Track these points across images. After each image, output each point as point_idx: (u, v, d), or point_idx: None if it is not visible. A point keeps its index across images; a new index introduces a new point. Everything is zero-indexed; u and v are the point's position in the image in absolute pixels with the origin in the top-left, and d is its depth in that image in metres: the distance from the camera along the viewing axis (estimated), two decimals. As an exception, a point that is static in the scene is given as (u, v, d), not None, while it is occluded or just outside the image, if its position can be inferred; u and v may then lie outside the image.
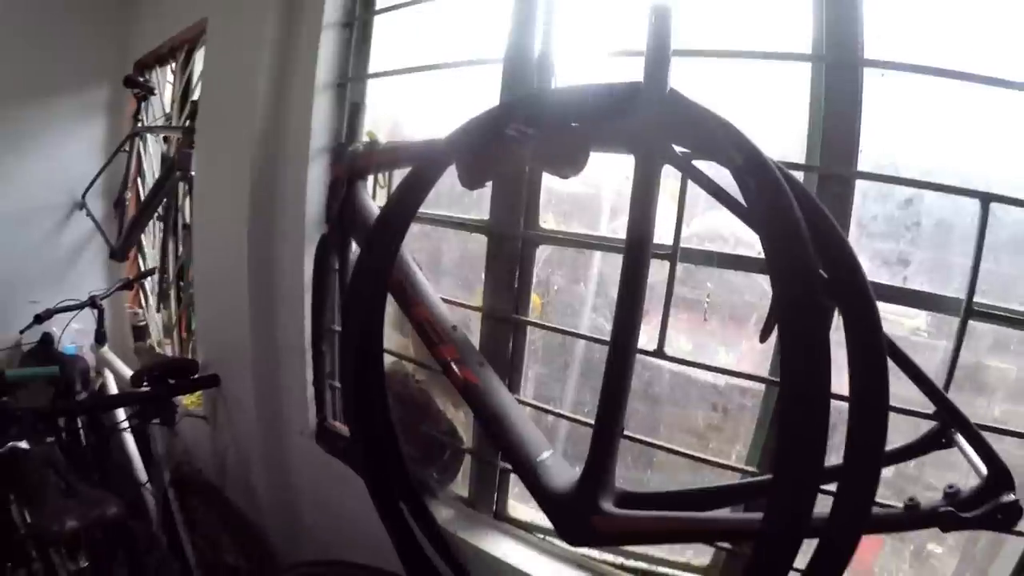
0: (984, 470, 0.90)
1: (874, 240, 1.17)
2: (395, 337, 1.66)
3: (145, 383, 1.98)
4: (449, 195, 1.60)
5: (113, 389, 2.62)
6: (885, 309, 1.22)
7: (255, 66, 1.73)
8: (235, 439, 2.04)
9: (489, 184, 1.29)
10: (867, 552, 1.46)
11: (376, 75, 1.66)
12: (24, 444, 1.87)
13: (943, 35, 1.09)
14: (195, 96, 2.57)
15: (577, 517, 1.04)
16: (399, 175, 1.54)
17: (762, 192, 0.82)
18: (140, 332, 3.05)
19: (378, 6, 1.67)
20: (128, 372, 2.66)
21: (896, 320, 1.39)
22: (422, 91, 1.66)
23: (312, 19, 1.66)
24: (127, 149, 3.00)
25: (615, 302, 0.97)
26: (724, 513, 1.04)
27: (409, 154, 1.36)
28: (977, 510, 0.88)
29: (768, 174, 0.82)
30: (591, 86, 1.01)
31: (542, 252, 1.44)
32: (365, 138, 1.54)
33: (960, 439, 0.96)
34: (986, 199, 1.00)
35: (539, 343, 1.61)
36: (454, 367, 1.18)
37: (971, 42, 1.07)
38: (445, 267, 1.75)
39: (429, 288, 1.31)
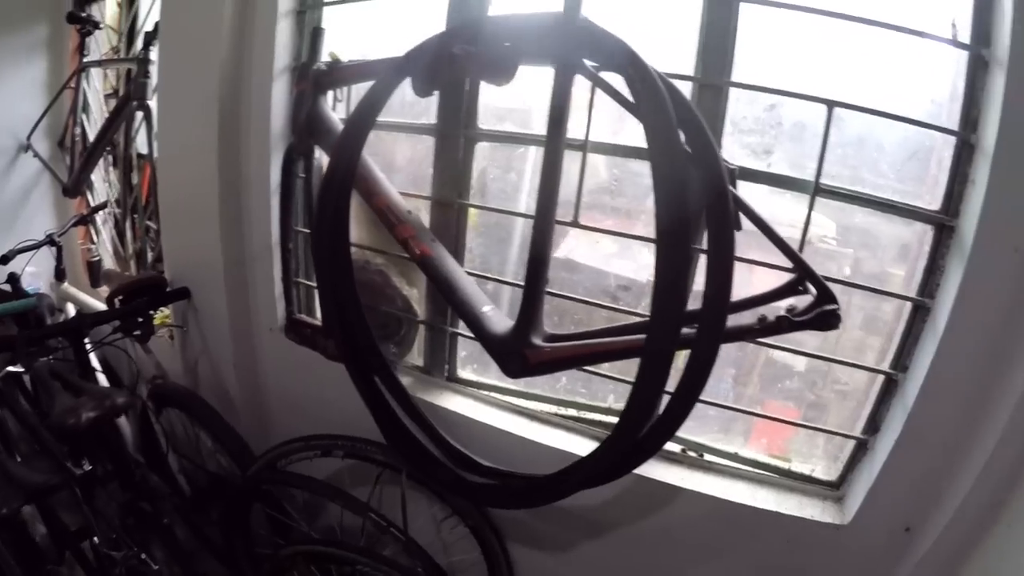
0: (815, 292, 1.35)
1: (744, 135, 1.59)
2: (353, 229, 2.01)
3: (119, 302, 2.31)
4: (400, 106, 1.96)
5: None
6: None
7: (220, -2, 2.00)
8: (207, 346, 2.39)
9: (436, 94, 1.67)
10: (780, 434, 1.90)
11: (333, 2, 1.98)
12: (19, 368, 2.19)
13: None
14: (145, 27, 2.83)
15: (513, 352, 1.45)
16: (357, 91, 1.91)
17: (644, 91, 1.21)
18: (94, 266, 3.28)
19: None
20: (92, 303, 2.97)
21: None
22: (375, 16, 1.99)
23: (273, -50, 1.94)
24: (72, 86, 3.21)
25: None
26: (622, 338, 1.45)
27: (369, 70, 1.73)
28: (806, 316, 1.32)
29: (649, 79, 1.21)
30: (521, 14, 1.41)
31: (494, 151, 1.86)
32: (327, 57, 1.87)
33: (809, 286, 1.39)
34: (831, 104, 1.41)
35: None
36: (411, 243, 1.58)
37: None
38: (398, 166, 2.10)
39: (386, 181, 1.70)
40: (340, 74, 1.81)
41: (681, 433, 1.77)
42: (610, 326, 1.52)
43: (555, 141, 1.36)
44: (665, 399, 1.33)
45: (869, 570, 1.63)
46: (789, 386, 1.91)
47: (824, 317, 1.31)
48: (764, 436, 1.89)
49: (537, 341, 1.44)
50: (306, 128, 1.83)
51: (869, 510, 1.57)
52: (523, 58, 1.41)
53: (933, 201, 1.47)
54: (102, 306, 3.03)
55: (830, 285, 1.36)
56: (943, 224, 1.45)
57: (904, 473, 1.52)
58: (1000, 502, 1.39)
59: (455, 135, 1.78)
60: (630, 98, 1.26)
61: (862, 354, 1.71)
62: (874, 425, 1.63)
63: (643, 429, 1.30)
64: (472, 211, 1.94)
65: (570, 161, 1.58)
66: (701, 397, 1.30)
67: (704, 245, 1.25)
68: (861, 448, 1.67)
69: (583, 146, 1.55)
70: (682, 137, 1.22)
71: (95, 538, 2.24)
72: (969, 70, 1.38)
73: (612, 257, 1.99)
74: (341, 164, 1.54)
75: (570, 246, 2.01)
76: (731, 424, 1.88)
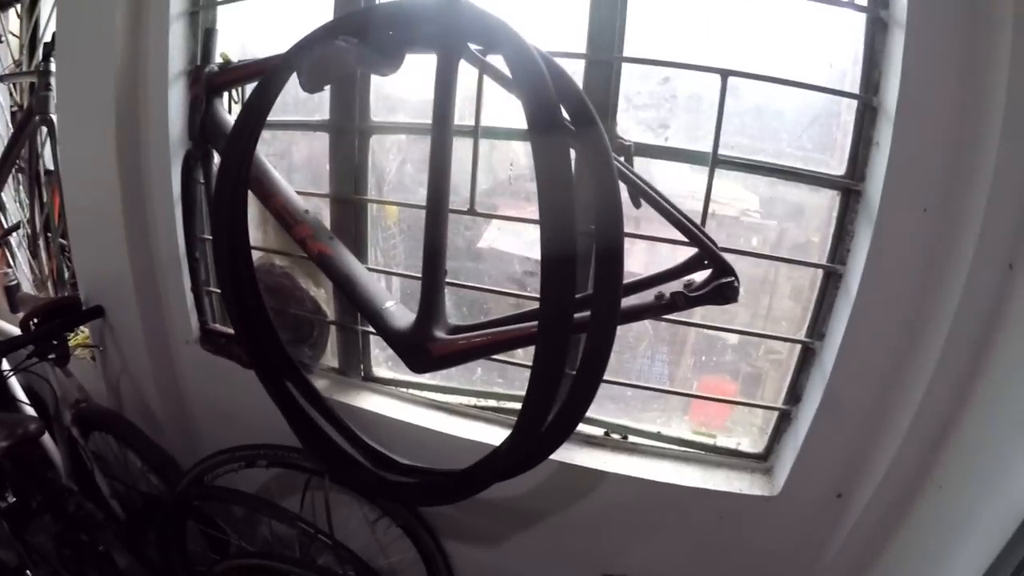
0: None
1: (639, 111, 1.58)
2: (255, 233, 1.95)
3: (33, 326, 2.24)
4: (295, 104, 1.92)
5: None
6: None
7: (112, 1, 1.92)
8: (126, 364, 2.32)
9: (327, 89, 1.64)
10: (720, 412, 1.92)
11: (225, 1, 1.93)
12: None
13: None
14: (46, 39, 2.75)
15: (415, 347, 1.43)
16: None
17: (521, 66, 1.19)
18: (12, 291, 3.15)
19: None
20: (12, 330, 2.89)
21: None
22: (271, 13, 1.95)
23: (163, -49, 1.89)
24: (-25, 105, 3.09)
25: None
26: (523, 325, 1.43)
27: (260, 68, 1.69)
28: (702, 291, 1.32)
29: (525, 54, 1.19)
30: (403, 2, 1.37)
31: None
32: (219, 59, 1.83)
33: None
34: (724, 74, 1.41)
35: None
36: (308, 242, 1.55)
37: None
38: (296, 165, 2.08)
39: (283, 181, 1.67)
40: (232, 75, 1.76)
41: (605, 416, 1.80)
42: (514, 313, 1.51)
43: (442, 129, 1.33)
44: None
45: (805, 538, 1.65)
46: (724, 359, 1.92)
47: (720, 290, 1.32)
48: (703, 412, 1.90)
49: (440, 334, 1.42)
50: (202, 132, 1.79)
51: (798, 480, 1.59)
52: (408, 46, 1.39)
53: (839, 166, 1.48)
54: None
55: (738, 257, 1.37)
56: (850, 189, 1.46)
57: (829, 440, 1.53)
58: (929, 464, 1.41)
59: (349, 129, 1.75)
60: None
61: (792, 324, 1.72)
62: (795, 395, 1.65)
63: (546, 416, 1.28)
64: (392, 207, 1.94)
65: (488, 149, 1.58)
66: (629, 380, 1.29)
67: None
68: (785, 418, 1.69)
69: (474, 131, 1.53)
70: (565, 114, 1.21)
71: (28, 572, 2.20)
72: (868, 32, 1.39)
73: (535, 243, 1.98)
74: (232, 166, 1.50)
75: (492, 235, 1.99)
76: (668, 402, 1.88)
